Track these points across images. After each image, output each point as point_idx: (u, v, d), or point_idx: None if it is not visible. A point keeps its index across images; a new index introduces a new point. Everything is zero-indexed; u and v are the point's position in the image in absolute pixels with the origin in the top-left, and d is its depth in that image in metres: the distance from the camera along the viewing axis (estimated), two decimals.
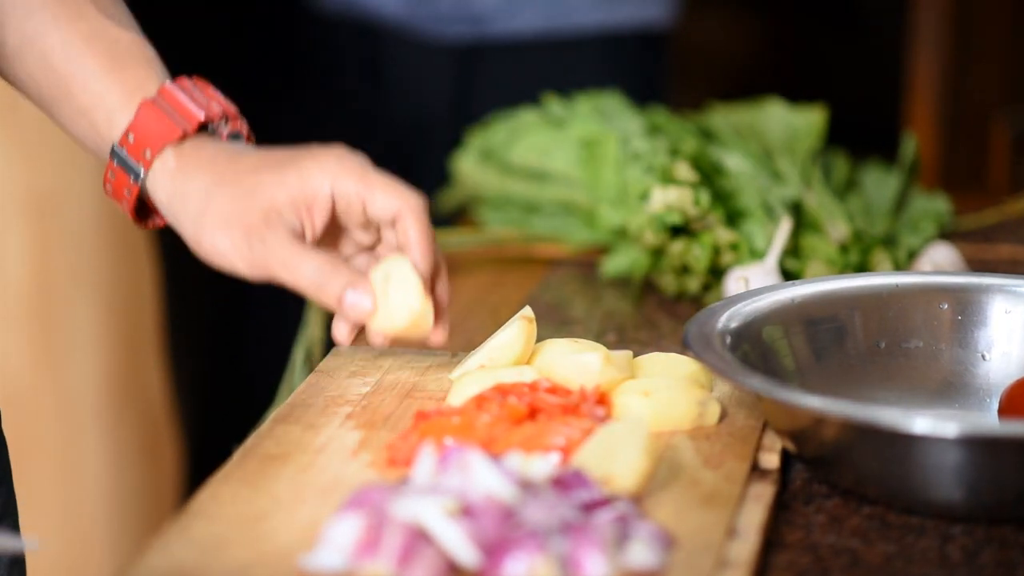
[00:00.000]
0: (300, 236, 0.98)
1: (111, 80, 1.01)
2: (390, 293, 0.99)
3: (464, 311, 1.29)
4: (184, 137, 1.00)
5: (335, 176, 0.98)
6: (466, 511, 0.80)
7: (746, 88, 2.35)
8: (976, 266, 1.35)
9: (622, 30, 1.92)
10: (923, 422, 0.85)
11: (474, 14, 1.87)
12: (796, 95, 1.62)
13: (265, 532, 0.84)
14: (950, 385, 1.03)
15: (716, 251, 1.28)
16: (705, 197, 1.27)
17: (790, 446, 0.94)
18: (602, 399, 0.97)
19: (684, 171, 1.28)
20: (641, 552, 0.81)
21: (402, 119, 1.86)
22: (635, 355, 1.05)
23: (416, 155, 1.88)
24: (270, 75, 1.90)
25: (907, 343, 1.04)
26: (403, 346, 1.06)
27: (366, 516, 0.81)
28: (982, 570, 0.85)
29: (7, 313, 2.25)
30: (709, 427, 0.97)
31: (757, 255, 1.27)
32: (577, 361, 0.99)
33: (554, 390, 0.96)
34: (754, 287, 1.17)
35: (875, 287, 1.06)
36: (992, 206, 1.50)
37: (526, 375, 0.99)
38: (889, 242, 1.33)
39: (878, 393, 1.03)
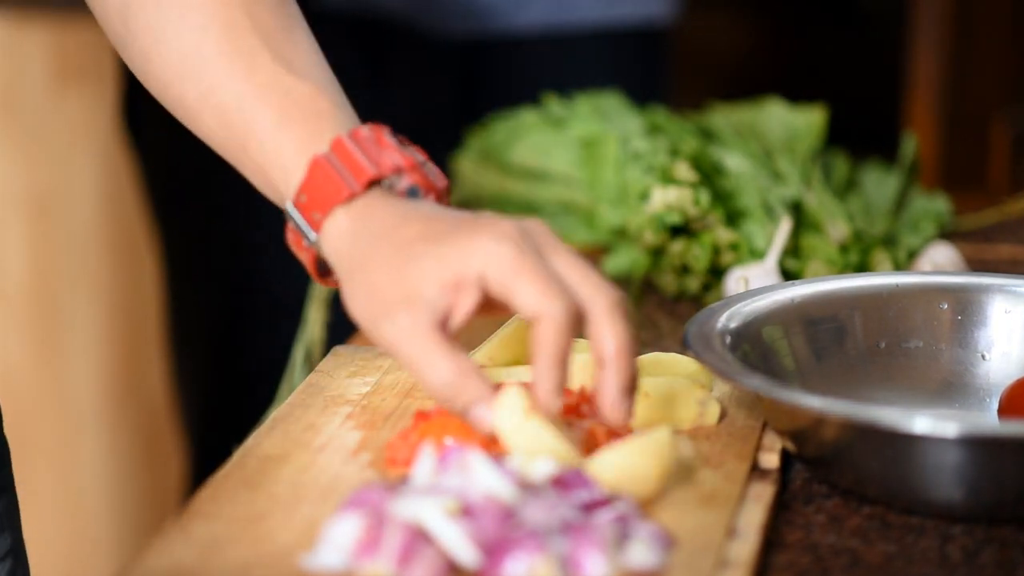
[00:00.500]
0: (442, 323, 0.87)
1: (283, 136, 0.95)
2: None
3: None
4: (352, 197, 0.92)
5: (487, 259, 0.86)
6: (466, 511, 0.80)
7: (746, 88, 2.35)
8: (976, 266, 1.35)
9: (624, 26, 1.93)
10: (923, 422, 0.85)
11: (477, 9, 1.87)
12: (796, 95, 1.62)
13: (265, 532, 0.84)
14: (950, 385, 1.03)
15: (716, 251, 1.28)
16: (705, 197, 1.27)
17: (790, 446, 0.94)
18: None
19: (684, 171, 1.28)
20: (641, 552, 0.81)
21: (405, 115, 1.86)
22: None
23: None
24: (348, 75, 1.89)
25: (907, 343, 1.04)
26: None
27: (366, 516, 0.81)
28: (982, 570, 0.85)
29: (7, 312, 2.25)
30: (709, 427, 0.97)
31: (757, 255, 1.27)
32: (577, 361, 0.99)
33: None
34: (754, 287, 1.17)
35: (875, 287, 1.06)
36: (992, 206, 1.50)
37: (526, 375, 0.99)
38: (889, 242, 1.33)
39: (878, 393, 1.03)
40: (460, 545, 0.79)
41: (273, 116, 0.95)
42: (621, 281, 1.36)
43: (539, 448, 0.86)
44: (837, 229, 1.27)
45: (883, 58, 3.82)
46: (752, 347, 1.00)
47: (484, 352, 1.03)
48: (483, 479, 0.82)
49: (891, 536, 0.88)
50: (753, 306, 1.02)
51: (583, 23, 1.90)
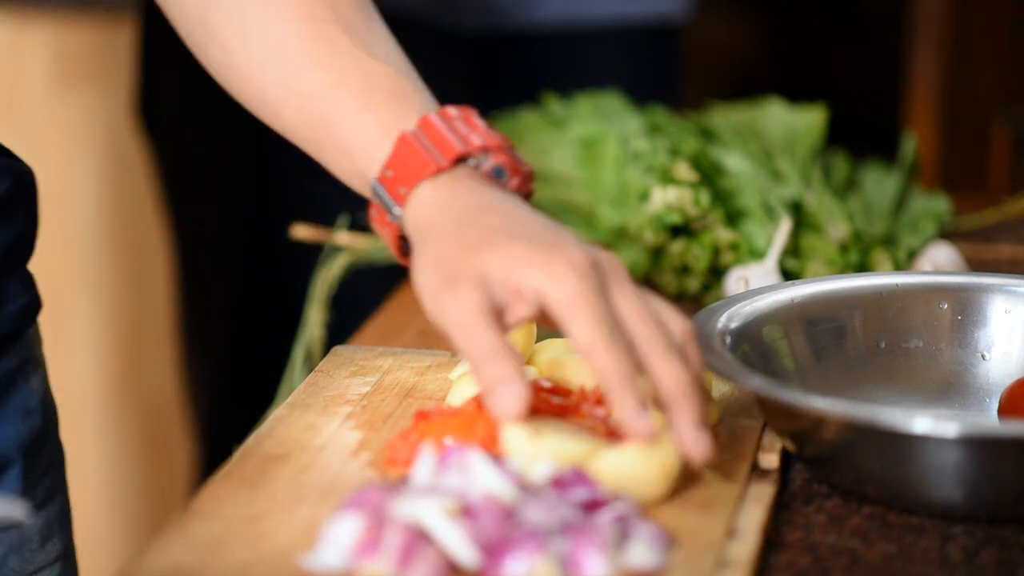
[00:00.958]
0: (496, 312, 0.87)
1: (367, 117, 0.96)
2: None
3: None
4: (439, 171, 0.93)
5: (551, 282, 0.86)
6: (466, 511, 0.80)
7: (746, 88, 2.35)
8: (976, 266, 1.35)
9: (638, 23, 1.94)
10: (923, 422, 0.85)
11: (494, 5, 1.88)
12: (796, 95, 1.63)
13: (265, 532, 0.84)
14: (950, 385, 1.03)
15: (716, 251, 1.28)
16: (705, 197, 1.27)
17: (790, 446, 0.94)
18: (602, 399, 0.97)
19: (684, 171, 1.28)
20: (641, 552, 0.81)
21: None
22: None
23: None
24: None
25: (907, 343, 1.04)
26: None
27: (366, 516, 0.81)
28: (982, 570, 0.85)
29: None
30: (709, 427, 0.97)
31: (757, 255, 1.27)
32: (577, 361, 0.99)
33: (554, 390, 0.96)
34: (754, 287, 1.17)
35: (875, 287, 1.06)
36: (992, 206, 1.50)
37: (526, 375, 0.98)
38: (889, 242, 1.33)
39: (878, 393, 1.03)
40: (460, 545, 0.79)
41: (357, 99, 0.96)
42: None
43: (564, 457, 0.87)
44: (837, 229, 1.27)
45: (883, 58, 3.82)
46: (752, 347, 1.00)
47: None
48: (483, 479, 0.83)
49: (891, 536, 0.88)
50: (753, 306, 1.02)
51: (599, 19, 1.91)
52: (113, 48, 2.26)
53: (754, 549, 0.84)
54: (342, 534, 0.81)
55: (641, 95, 1.71)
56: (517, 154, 0.97)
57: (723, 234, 1.27)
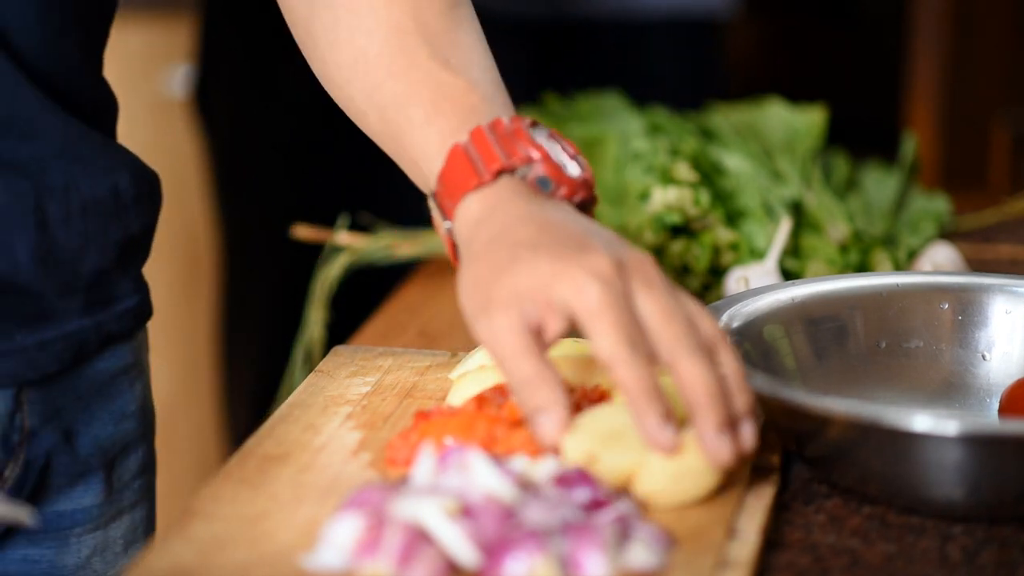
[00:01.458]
0: (533, 329, 0.87)
1: (431, 129, 0.97)
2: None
3: None
4: (480, 185, 0.94)
5: (577, 294, 0.86)
6: (466, 511, 0.80)
7: (746, 88, 2.35)
8: (976, 266, 1.35)
9: (690, 16, 1.98)
10: (924, 421, 0.85)
11: None
12: (796, 95, 1.63)
13: (265, 532, 0.84)
14: (950, 385, 1.03)
15: (716, 251, 1.28)
16: (705, 197, 1.27)
17: (790, 445, 0.94)
18: (602, 398, 0.97)
19: (684, 171, 1.28)
20: (641, 552, 0.81)
21: None
22: None
23: None
24: None
25: (907, 343, 1.04)
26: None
27: (366, 516, 0.81)
28: (982, 570, 0.85)
29: None
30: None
31: (757, 255, 1.27)
32: (577, 361, 0.99)
33: None
34: (754, 287, 1.17)
35: (875, 287, 1.06)
36: (992, 206, 1.50)
37: None
38: (889, 242, 1.33)
39: (879, 393, 1.03)
40: (460, 545, 0.79)
41: (424, 111, 0.97)
42: None
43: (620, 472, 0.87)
44: (837, 229, 1.27)
45: (884, 58, 3.82)
46: (753, 347, 1.00)
47: (484, 352, 1.03)
48: (483, 479, 0.82)
49: (891, 536, 0.88)
50: (753, 306, 1.02)
51: (654, 11, 1.97)
52: (169, 46, 2.28)
53: (754, 549, 0.84)
54: (342, 534, 0.81)
55: (692, 86, 1.74)
56: (577, 162, 0.96)
57: (723, 234, 1.27)
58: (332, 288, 1.39)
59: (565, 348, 1.03)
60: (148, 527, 1.13)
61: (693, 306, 0.88)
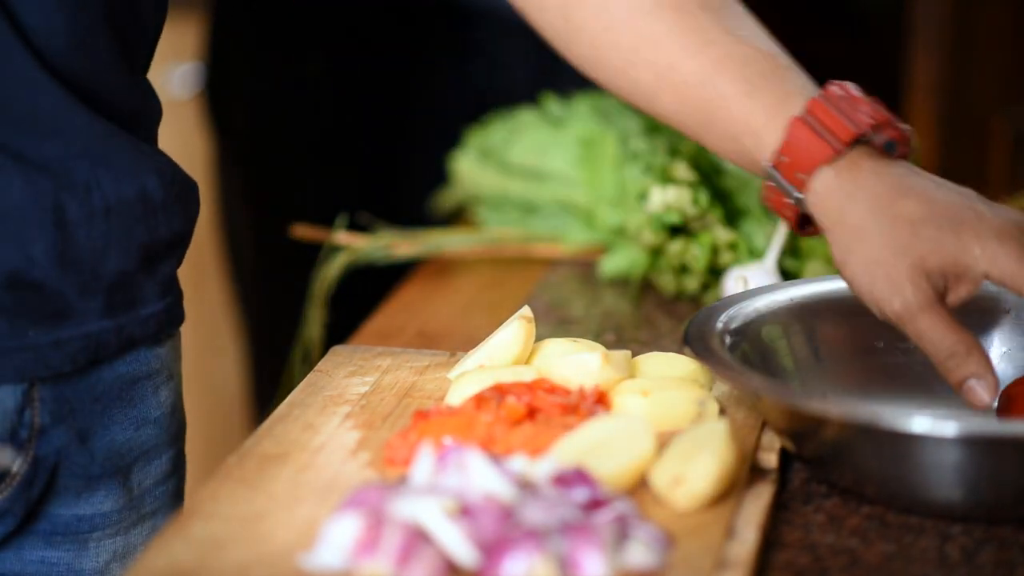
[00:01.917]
0: (940, 299, 0.94)
1: (751, 103, 1.00)
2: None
3: (463, 311, 1.29)
4: (836, 155, 0.97)
5: (993, 258, 0.93)
6: (465, 511, 0.80)
7: None
8: None
9: None
10: (922, 422, 0.85)
11: None
12: None
13: (264, 532, 0.84)
14: (949, 385, 1.03)
15: (715, 250, 1.28)
16: (704, 196, 1.27)
17: (789, 446, 0.94)
18: (601, 399, 0.97)
19: (683, 170, 1.28)
20: (640, 552, 0.81)
21: (492, 94, 1.89)
22: (634, 355, 1.05)
23: None
24: (362, 57, 1.92)
25: (905, 343, 1.04)
26: None
27: (365, 516, 0.81)
28: (981, 570, 0.85)
29: None
30: None
31: (756, 254, 1.27)
32: (576, 361, 0.99)
33: (553, 390, 0.96)
34: (753, 287, 1.17)
35: None
36: None
37: (525, 375, 0.99)
38: None
39: (877, 393, 1.03)
40: (459, 545, 0.79)
41: (739, 85, 1.00)
42: (620, 281, 1.36)
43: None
44: None
45: (883, 58, 3.81)
46: (751, 347, 1.00)
47: (483, 352, 1.03)
48: (482, 479, 0.82)
49: (890, 536, 0.88)
50: (752, 306, 1.02)
51: None
52: (174, 45, 2.28)
53: (753, 549, 0.84)
54: (341, 534, 0.81)
55: None
56: (901, 124, 1.00)
57: (722, 234, 1.27)
58: (331, 288, 1.39)
59: (564, 348, 1.03)
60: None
61: None
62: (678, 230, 1.29)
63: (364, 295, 1.54)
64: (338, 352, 1.09)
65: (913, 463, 0.87)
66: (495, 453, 0.88)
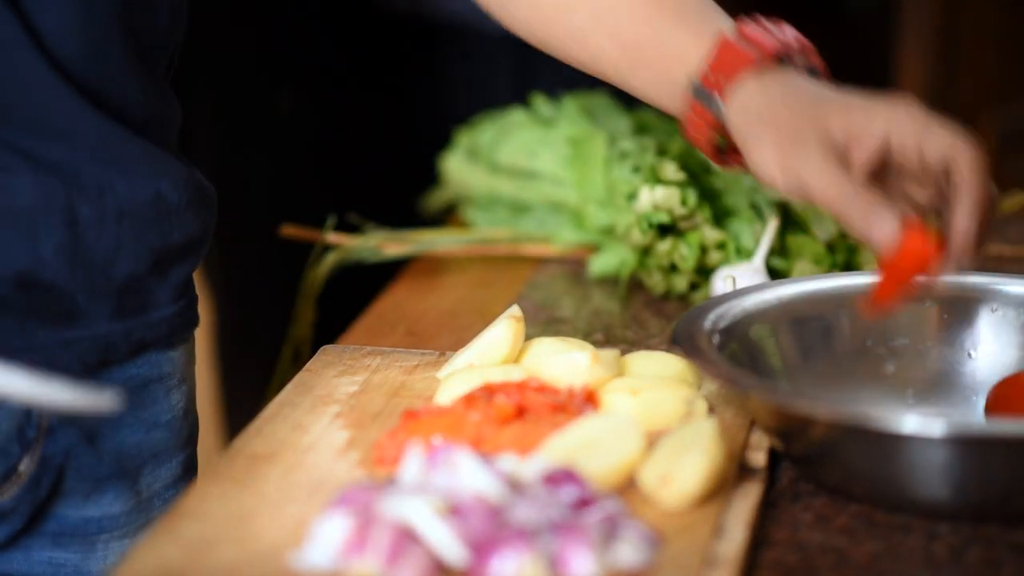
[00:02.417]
0: (842, 159, 0.96)
1: (683, 32, 1.04)
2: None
3: (452, 310, 1.29)
4: (760, 65, 1.00)
5: (894, 123, 0.96)
6: (454, 510, 0.81)
7: None
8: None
9: None
10: (910, 421, 0.85)
11: None
12: None
13: (253, 531, 0.84)
14: (937, 383, 1.04)
15: (703, 250, 1.28)
16: (692, 196, 1.27)
17: (777, 444, 0.94)
18: (590, 398, 0.97)
19: (671, 170, 1.28)
20: (629, 551, 0.81)
21: (465, 111, 1.90)
22: (623, 354, 1.05)
23: None
24: (336, 72, 1.92)
25: (893, 342, 1.04)
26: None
27: (354, 515, 0.81)
28: (968, 569, 0.86)
29: None
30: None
31: (744, 254, 1.27)
32: (565, 360, 0.99)
33: (542, 389, 0.96)
34: (741, 286, 1.17)
35: (862, 286, 1.06)
36: None
37: (514, 374, 0.99)
38: None
39: (865, 392, 1.03)
40: (448, 544, 0.79)
41: (671, 20, 1.04)
42: (609, 280, 1.36)
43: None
44: (824, 228, 1.27)
45: (870, 58, 3.82)
46: (740, 346, 1.00)
47: (472, 351, 1.03)
48: (471, 478, 0.83)
49: (878, 535, 0.89)
50: (741, 305, 1.03)
51: None
52: None
53: (741, 547, 0.84)
54: (330, 533, 0.81)
55: None
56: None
57: (710, 233, 1.27)
58: (320, 287, 1.39)
59: (553, 347, 1.03)
60: None
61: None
62: (667, 230, 1.29)
63: (353, 295, 1.54)
64: (327, 352, 1.09)
65: (901, 462, 0.88)
66: (484, 452, 0.88)
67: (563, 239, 1.40)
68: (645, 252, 1.30)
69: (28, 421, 0.98)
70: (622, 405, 0.96)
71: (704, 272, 1.29)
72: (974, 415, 1.02)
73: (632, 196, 1.29)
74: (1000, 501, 0.89)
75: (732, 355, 0.98)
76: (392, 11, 2.00)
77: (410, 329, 1.24)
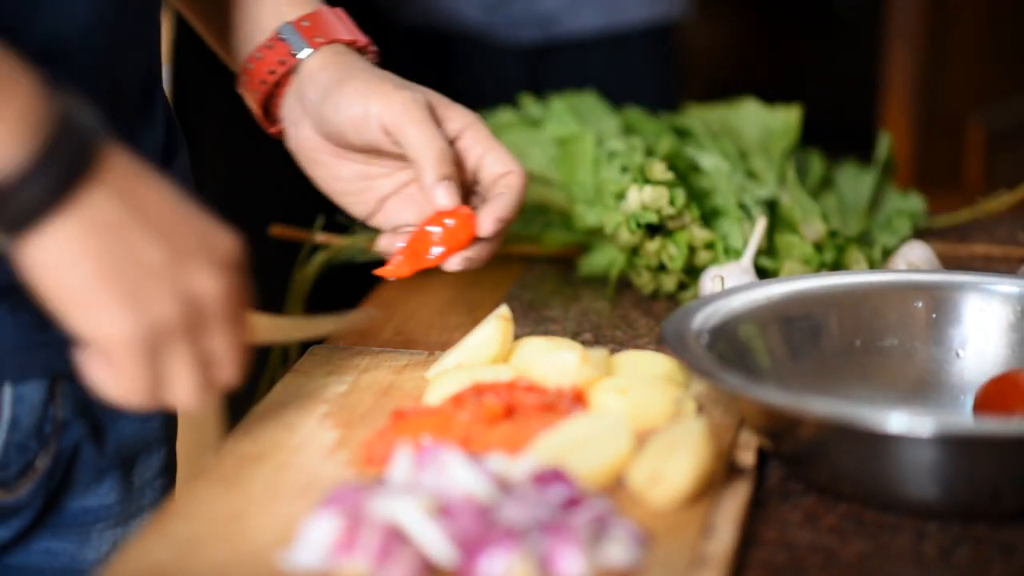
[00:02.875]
0: (436, 119, 1.05)
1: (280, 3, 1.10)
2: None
3: (441, 310, 1.29)
4: (353, 43, 1.08)
5: (383, 105, 1.04)
6: (443, 510, 0.81)
7: (722, 88, 2.37)
8: (950, 264, 1.36)
9: (663, 24, 2.11)
10: (899, 421, 0.85)
11: (542, 16, 2.05)
12: (772, 95, 1.63)
13: (242, 531, 0.84)
14: (925, 383, 1.04)
15: (692, 250, 1.28)
16: (681, 196, 1.27)
17: (766, 444, 0.94)
18: (579, 397, 0.97)
19: (660, 170, 1.28)
20: (618, 550, 0.81)
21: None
22: (611, 353, 1.05)
23: None
24: None
25: (882, 341, 1.04)
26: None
27: (343, 515, 0.81)
28: (957, 567, 0.86)
29: None
30: None
31: (733, 254, 1.27)
32: (554, 360, 0.99)
33: (531, 389, 0.96)
34: (730, 286, 1.17)
35: (850, 285, 1.06)
36: (966, 205, 1.51)
37: (503, 374, 0.99)
38: (864, 241, 1.33)
39: (853, 391, 1.03)
40: (437, 544, 0.79)
41: None
42: (597, 280, 1.36)
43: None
44: (812, 228, 1.28)
45: (859, 58, 3.83)
46: (728, 345, 1.00)
47: (461, 351, 1.03)
48: (460, 478, 0.83)
49: (866, 534, 0.89)
50: (729, 305, 1.03)
51: (633, 23, 2.08)
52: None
53: (730, 546, 0.84)
54: (319, 533, 0.81)
55: (663, 92, 1.83)
56: None
57: (699, 233, 1.27)
58: (309, 287, 1.39)
59: (542, 347, 1.03)
60: None
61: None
62: (655, 229, 1.29)
63: (342, 295, 1.53)
64: (316, 352, 1.09)
65: (889, 462, 0.88)
66: (473, 452, 0.88)
67: (552, 239, 1.40)
68: (634, 252, 1.30)
69: (46, 416, 0.99)
70: (611, 405, 0.96)
71: (692, 272, 1.29)
72: (962, 414, 1.02)
73: (620, 196, 1.29)
74: (989, 500, 0.89)
75: (720, 354, 0.98)
76: (403, 21, 2.04)
77: (399, 329, 1.24)
